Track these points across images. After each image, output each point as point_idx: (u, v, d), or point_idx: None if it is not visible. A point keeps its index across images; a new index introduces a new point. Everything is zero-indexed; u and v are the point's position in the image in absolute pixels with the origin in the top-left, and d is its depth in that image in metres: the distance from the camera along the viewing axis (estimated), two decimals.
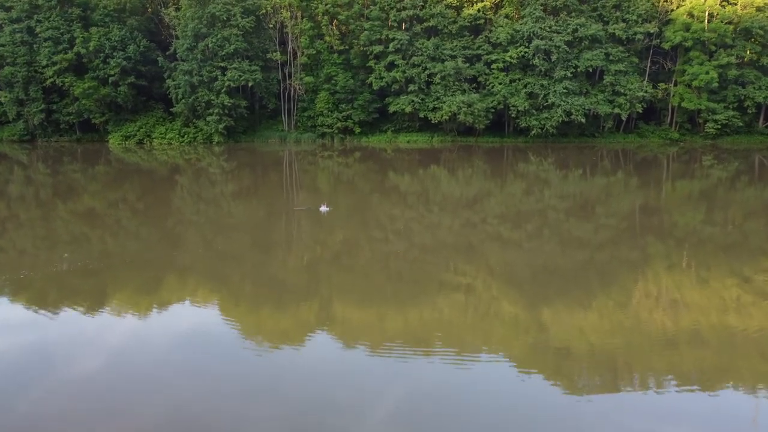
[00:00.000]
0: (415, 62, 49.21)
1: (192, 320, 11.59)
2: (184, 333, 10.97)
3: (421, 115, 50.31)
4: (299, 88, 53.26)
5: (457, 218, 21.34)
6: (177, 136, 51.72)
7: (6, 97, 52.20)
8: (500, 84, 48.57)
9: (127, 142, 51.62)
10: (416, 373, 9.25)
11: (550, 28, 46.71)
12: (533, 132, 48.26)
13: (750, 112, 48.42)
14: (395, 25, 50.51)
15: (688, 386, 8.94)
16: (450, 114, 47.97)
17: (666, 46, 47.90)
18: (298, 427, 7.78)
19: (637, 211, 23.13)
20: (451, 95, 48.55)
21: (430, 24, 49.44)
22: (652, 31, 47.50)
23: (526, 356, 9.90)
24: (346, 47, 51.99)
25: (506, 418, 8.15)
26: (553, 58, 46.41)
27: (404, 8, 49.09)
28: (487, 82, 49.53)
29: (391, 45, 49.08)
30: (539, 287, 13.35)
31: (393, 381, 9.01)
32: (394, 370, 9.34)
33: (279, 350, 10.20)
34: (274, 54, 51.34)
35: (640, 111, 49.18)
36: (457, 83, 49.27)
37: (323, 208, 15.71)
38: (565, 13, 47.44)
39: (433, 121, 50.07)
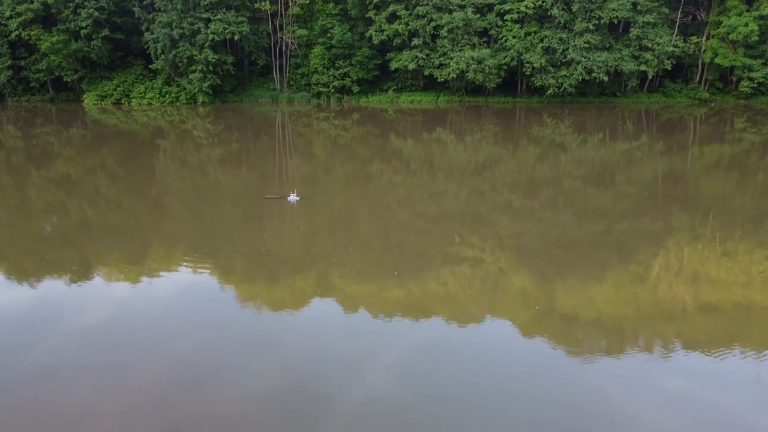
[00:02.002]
0: (420, 13, 47.86)
1: (189, 284, 12.09)
2: (183, 295, 11.62)
3: (426, 72, 49.31)
4: (291, 43, 52.03)
5: (464, 186, 21.24)
6: (158, 95, 50.97)
7: None
8: (514, 38, 47.36)
9: (103, 102, 50.95)
10: (416, 335, 9.82)
11: None
12: (549, 91, 47.45)
13: None
14: None
15: (693, 349, 9.46)
16: (458, 71, 47.01)
17: None
18: (297, 381, 8.49)
19: (660, 179, 22.98)
20: (459, 50, 47.44)
21: None
22: None
23: (531, 323, 10.20)
24: None
25: (505, 374, 8.71)
26: (574, 8, 45.07)
27: None
28: (500, 36, 48.30)
29: None
30: (551, 260, 13.41)
31: (391, 341, 9.64)
32: (392, 331, 9.97)
33: (277, 312, 10.68)
34: (263, 3, 49.91)
35: (669, 68, 48.16)
36: (466, 37, 48.05)
37: (292, 198, 14.99)
38: None
39: (438, 80, 49.14)
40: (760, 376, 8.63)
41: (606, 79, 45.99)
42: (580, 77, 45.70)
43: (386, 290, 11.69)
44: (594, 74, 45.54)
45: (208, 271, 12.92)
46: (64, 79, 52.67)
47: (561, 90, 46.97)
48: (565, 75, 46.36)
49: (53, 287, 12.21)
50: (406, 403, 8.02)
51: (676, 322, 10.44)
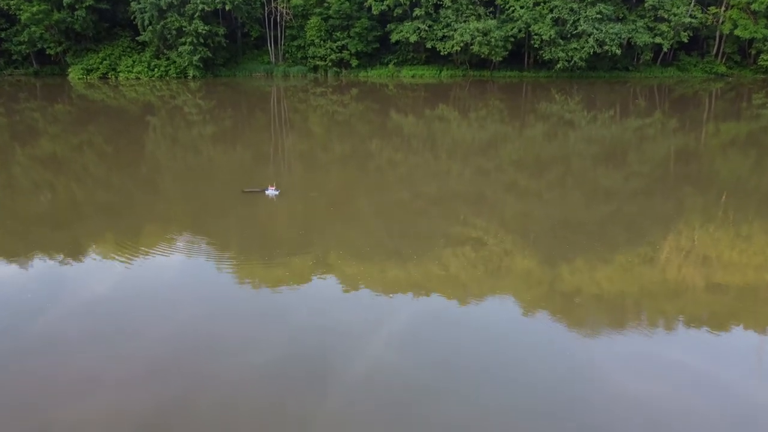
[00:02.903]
0: None
1: (186, 262, 12.23)
2: (181, 271, 11.86)
3: (428, 45, 48.64)
4: (286, 13, 51.20)
5: (467, 165, 21.17)
6: (146, 69, 50.35)
7: None
8: (522, 8, 46.58)
9: (89, 77, 50.36)
10: (416, 309, 10.23)
11: None
12: (558, 65, 46.86)
13: None
14: None
15: (696, 325, 9.80)
16: (462, 44, 46.36)
17: None
18: (301, 347, 9.05)
19: (673, 158, 22.88)
20: (464, 22, 46.69)
21: None
22: None
23: (532, 300, 10.39)
24: None
25: (504, 345, 9.22)
26: None
27: None
28: (507, 6, 47.49)
29: None
30: (558, 241, 13.44)
31: (392, 313, 10.12)
32: (394, 305, 10.41)
33: (281, 288, 10.69)
34: None
35: (685, 41, 47.47)
36: (470, 7, 47.24)
37: (270, 191, 14.38)
38: None
39: (441, 53, 48.48)
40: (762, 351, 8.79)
41: (619, 52, 45.36)
42: (591, 50, 45.06)
43: (386, 270, 11.75)
44: (606, 47, 44.89)
45: (205, 248, 12.95)
46: (47, 52, 51.94)
47: (571, 64, 46.39)
48: (575, 48, 45.72)
49: (48, 265, 12.28)
50: (407, 369, 8.40)
51: (680, 301, 10.53)
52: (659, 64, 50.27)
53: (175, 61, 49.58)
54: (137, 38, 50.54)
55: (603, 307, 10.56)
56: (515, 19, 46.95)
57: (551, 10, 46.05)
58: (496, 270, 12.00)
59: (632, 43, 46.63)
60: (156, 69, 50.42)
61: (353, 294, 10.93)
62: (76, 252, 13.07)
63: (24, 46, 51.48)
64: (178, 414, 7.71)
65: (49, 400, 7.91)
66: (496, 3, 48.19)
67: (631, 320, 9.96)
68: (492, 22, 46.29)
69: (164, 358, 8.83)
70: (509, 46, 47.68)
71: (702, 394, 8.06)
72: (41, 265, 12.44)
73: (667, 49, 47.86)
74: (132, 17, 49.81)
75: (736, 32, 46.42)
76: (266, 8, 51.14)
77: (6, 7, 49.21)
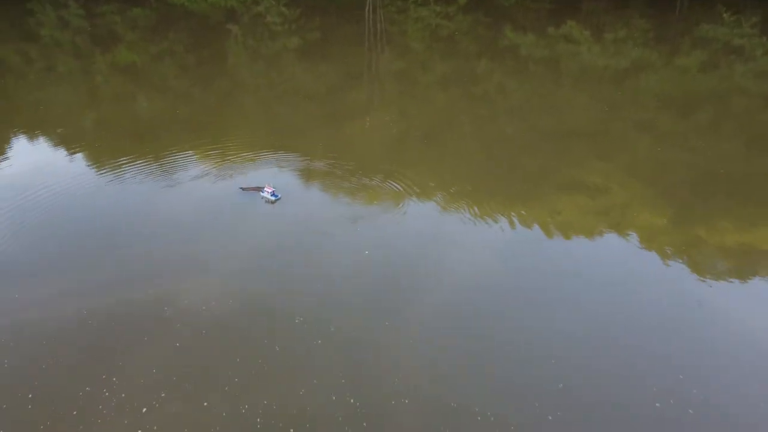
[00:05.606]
0: None
1: (276, 179, 13.38)
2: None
3: None
4: None
5: (595, 98, 20.36)
6: None
7: None
8: None
9: None
10: (522, 260, 10.35)
11: None
12: None
13: None
14: None
15: None
16: None
17: None
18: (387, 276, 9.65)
19: None
20: None
21: None
22: None
23: (658, 260, 10.25)
24: None
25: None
26: None
27: None
28: None
29: None
30: (699, 197, 12.94)
31: (490, 267, 10.31)
32: (491, 257, 10.58)
33: (360, 224, 11.52)
34: None
35: None
36: None
37: (266, 193, 12.80)
38: None
39: None
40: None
41: None
42: None
43: (486, 213, 12.12)
44: None
45: (290, 170, 14.09)
46: None
47: None
48: None
49: (137, 175, 14.10)
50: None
51: None
52: None
53: None
54: None
55: (748, 276, 10.27)
56: None
57: None
58: (616, 223, 11.93)
59: None
60: None
61: (441, 226, 11.49)
62: (162, 165, 14.77)
63: None
64: (279, 295, 9.63)
65: (163, 275, 10.23)
66: None
67: None
68: None
69: (268, 254, 10.81)
70: None
71: None
72: (128, 178, 14.27)
73: None
74: None
75: None
76: None
77: None
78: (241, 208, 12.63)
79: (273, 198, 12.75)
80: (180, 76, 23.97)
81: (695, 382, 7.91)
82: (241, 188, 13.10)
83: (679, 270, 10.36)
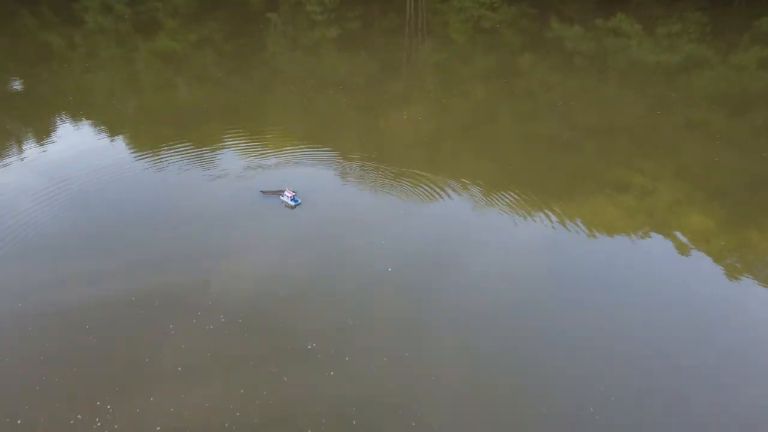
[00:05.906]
0: None
1: (316, 170, 13.69)
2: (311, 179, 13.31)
3: None
4: None
5: (644, 95, 19.94)
6: None
7: None
8: None
9: None
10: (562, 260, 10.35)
11: None
12: None
13: None
14: None
15: None
16: None
17: None
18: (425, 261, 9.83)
19: None
20: None
21: None
22: None
23: (707, 261, 10.09)
24: None
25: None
26: None
27: None
28: None
29: None
30: (751, 200, 12.62)
31: (526, 262, 10.35)
32: (528, 254, 10.63)
33: (398, 210, 11.71)
34: None
35: None
36: None
37: (286, 197, 12.90)
38: None
39: None
40: None
41: None
42: None
43: (523, 210, 12.10)
44: None
45: (326, 156, 14.34)
46: None
47: None
48: None
49: (176, 164, 14.58)
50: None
51: None
52: None
53: None
54: None
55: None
56: None
57: None
58: (661, 222, 11.76)
59: None
60: None
61: (480, 219, 11.59)
62: (207, 150, 15.22)
63: None
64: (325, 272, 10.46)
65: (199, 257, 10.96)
66: None
67: None
68: None
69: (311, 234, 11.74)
70: None
71: None
72: (168, 164, 14.75)
73: None
74: None
75: None
76: None
77: None
78: (274, 204, 12.98)
79: (293, 203, 12.77)
80: (219, 64, 24.49)
81: None
82: (261, 192, 13.03)
83: (730, 273, 10.17)
